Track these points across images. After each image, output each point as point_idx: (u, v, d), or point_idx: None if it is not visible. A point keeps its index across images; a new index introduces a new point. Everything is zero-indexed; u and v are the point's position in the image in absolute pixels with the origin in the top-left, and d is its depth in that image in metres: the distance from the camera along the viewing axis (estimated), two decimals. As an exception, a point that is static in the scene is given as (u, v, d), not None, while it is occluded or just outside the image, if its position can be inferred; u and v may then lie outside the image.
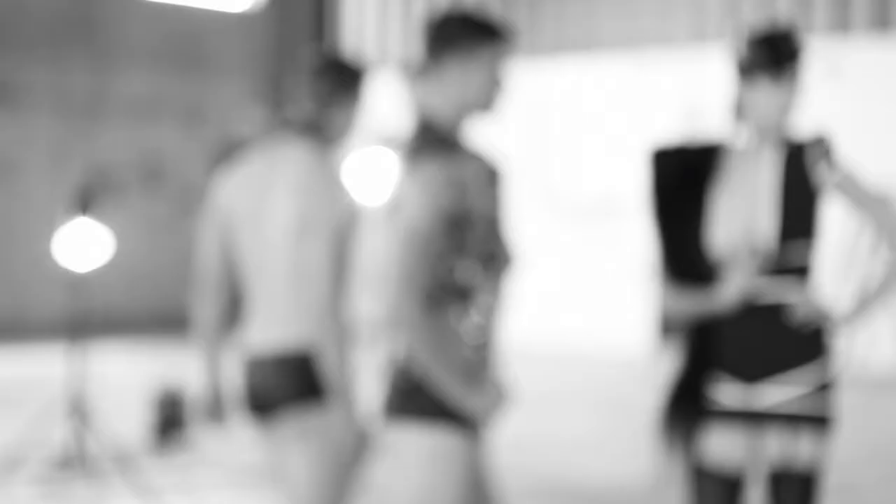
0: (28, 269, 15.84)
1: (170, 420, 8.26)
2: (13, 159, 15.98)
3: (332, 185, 3.86)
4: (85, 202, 7.11)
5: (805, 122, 3.59)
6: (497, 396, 3.28)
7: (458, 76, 3.29)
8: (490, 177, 4.83)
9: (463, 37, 3.29)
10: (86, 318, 7.81)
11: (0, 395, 11.03)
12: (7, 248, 16.02)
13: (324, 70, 3.96)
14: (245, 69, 18.11)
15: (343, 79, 3.96)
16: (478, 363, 3.27)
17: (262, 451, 4.09)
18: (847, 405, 4.82)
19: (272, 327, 3.88)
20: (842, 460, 8.19)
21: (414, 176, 3.19)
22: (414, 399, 3.21)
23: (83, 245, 7.20)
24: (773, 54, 3.48)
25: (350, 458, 3.90)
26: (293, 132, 3.95)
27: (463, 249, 3.21)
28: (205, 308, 4.01)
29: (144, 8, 17.06)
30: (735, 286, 3.46)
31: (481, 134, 4.80)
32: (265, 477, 7.63)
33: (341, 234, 3.83)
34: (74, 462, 7.27)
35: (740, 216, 3.52)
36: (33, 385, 11.52)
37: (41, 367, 12.89)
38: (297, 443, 3.86)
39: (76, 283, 7.48)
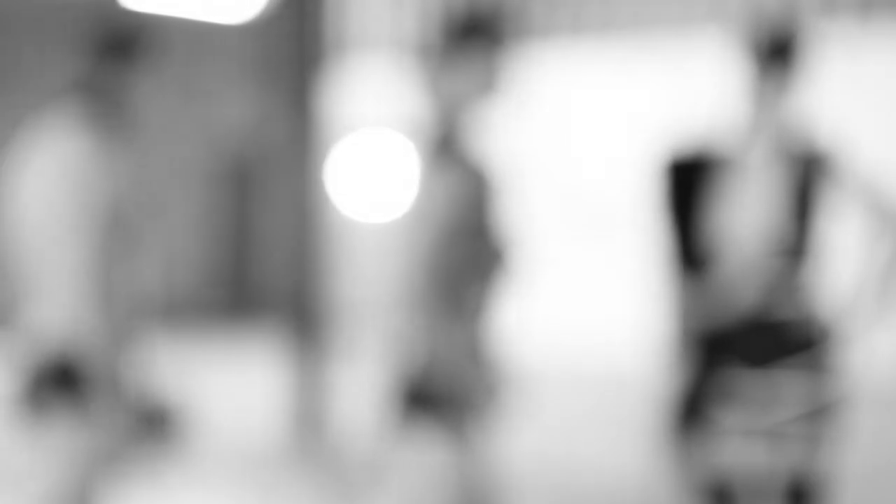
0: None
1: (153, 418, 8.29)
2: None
3: (97, 159, 3.52)
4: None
5: (823, 113, 3.57)
6: (498, 388, 3.33)
7: (470, 78, 3.35)
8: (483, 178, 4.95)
9: (472, 38, 3.34)
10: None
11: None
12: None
13: (101, 45, 3.67)
14: (243, 81, 18.16)
15: (121, 50, 3.67)
16: (488, 355, 3.34)
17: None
18: (851, 419, 4.87)
19: (33, 315, 3.61)
20: (843, 453, 8.19)
21: (429, 173, 3.27)
22: (419, 394, 3.24)
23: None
24: (774, 48, 3.48)
25: (94, 465, 3.59)
26: (73, 110, 3.64)
27: (479, 244, 3.28)
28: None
29: (144, 21, 17.07)
30: (743, 289, 3.46)
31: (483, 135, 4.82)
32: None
33: (113, 213, 3.50)
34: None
35: (747, 216, 3.50)
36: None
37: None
38: (40, 443, 3.57)
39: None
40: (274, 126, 18.53)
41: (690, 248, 3.57)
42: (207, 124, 17.85)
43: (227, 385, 11.66)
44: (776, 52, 3.47)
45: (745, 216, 3.51)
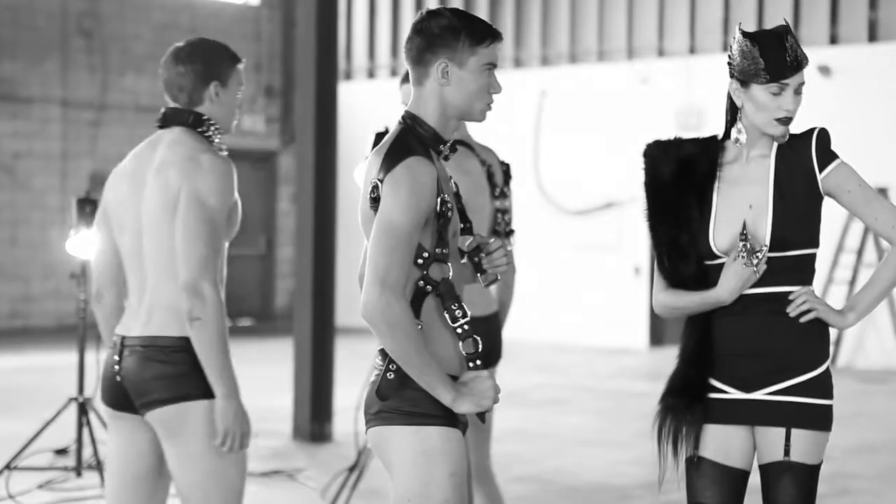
0: (34, 265, 15.92)
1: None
2: (18, 158, 16.05)
3: (196, 166, 3.67)
4: (90, 213, 7.19)
5: (796, 123, 3.60)
6: (483, 391, 3.18)
7: (444, 80, 3.21)
8: (497, 175, 4.86)
9: (450, 39, 3.20)
10: (92, 315, 7.79)
11: (6, 390, 11.09)
12: (13, 245, 16.09)
13: (189, 57, 3.81)
14: (247, 65, 18.15)
15: (210, 63, 3.81)
16: (464, 357, 3.22)
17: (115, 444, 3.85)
18: (842, 396, 4.79)
19: (136, 316, 3.74)
20: (836, 450, 8.25)
21: (392, 171, 3.12)
22: (399, 396, 3.16)
23: (89, 253, 7.32)
24: (779, 63, 3.47)
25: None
26: (172, 122, 3.84)
27: (444, 244, 3.19)
28: (98, 308, 3.88)
29: (145, 3, 17.11)
30: (733, 281, 3.47)
31: (487, 133, 4.82)
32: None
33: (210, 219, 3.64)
34: (78, 454, 7.33)
35: (738, 212, 3.52)
36: (39, 379, 11.58)
37: (47, 362, 12.94)
38: (169, 440, 3.70)
39: (83, 281, 7.55)
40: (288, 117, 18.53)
41: (681, 236, 3.56)
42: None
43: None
44: (777, 71, 3.44)
45: (738, 203, 3.53)
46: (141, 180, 3.76)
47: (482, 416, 3.24)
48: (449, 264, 3.21)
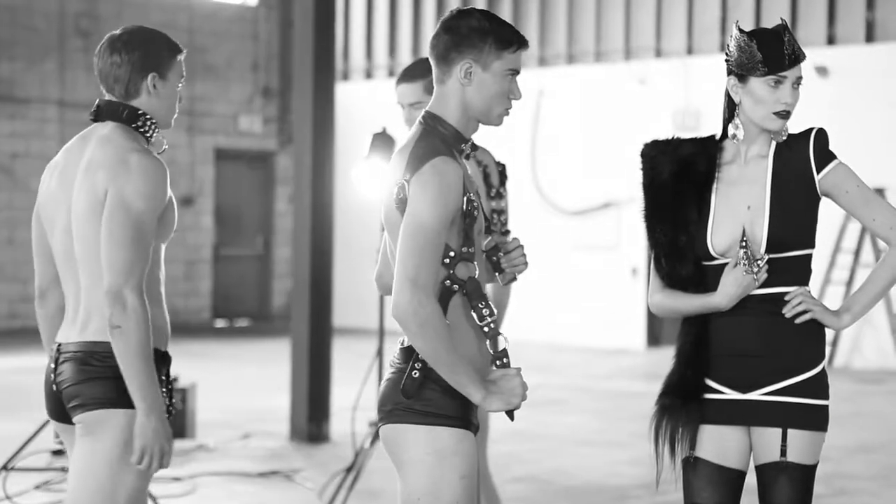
0: (32, 266, 15.90)
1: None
2: (16, 158, 16.04)
3: (125, 168, 3.45)
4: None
5: (793, 123, 3.59)
6: (512, 389, 3.18)
7: (466, 80, 3.22)
8: (493, 175, 4.89)
9: (477, 40, 3.21)
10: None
11: (4, 390, 11.10)
12: (11, 246, 16.08)
13: (125, 46, 3.54)
14: (245, 66, 18.15)
15: (148, 53, 3.55)
16: (491, 355, 3.22)
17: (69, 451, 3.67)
18: (839, 396, 4.79)
19: (73, 322, 3.58)
20: (833, 450, 8.26)
21: (419, 172, 3.12)
22: (416, 395, 3.16)
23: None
24: (777, 55, 3.46)
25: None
26: (106, 116, 3.59)
27: (470, 243, 3.19)
28: (40, 308, 3.73)
29: (143, 3, 17.11)
30: (732, 287, 3.46)
31: (485, 133, 4.84)
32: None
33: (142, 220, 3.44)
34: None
35: (736, 213, 3.51)
36: (37, 380, 11.55)
37: (45, 363, 12.90)
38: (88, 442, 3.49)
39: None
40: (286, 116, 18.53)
41: (678, 238, 3.54)
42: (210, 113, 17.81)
43: (243, 381, 11.66)
44: (774, 65, 3.43)
45: (735, 204, 3.51)
46: (70, 177, 3.56)
47: (511, 415, 3.24)
48: (475, 263, 3.21)
